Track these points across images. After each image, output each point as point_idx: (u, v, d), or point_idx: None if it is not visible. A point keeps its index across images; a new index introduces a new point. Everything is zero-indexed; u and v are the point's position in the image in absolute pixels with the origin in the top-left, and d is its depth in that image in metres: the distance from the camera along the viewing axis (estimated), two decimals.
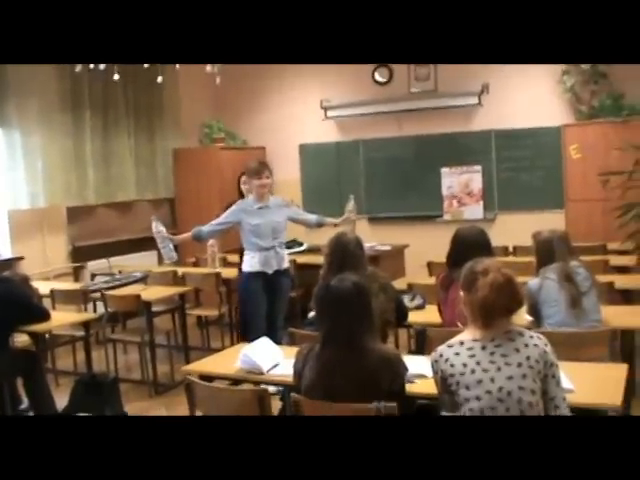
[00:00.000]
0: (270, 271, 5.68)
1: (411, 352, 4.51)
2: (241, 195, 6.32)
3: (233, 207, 5.76)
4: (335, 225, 5.86)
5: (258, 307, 5.70)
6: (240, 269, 5.88)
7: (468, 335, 2.73)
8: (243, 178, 6.29)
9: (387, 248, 7.66)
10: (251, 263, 5.69)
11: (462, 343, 2.71)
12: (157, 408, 5.65)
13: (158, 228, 5.45)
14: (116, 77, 6.97)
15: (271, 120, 9.74)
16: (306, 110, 9.44)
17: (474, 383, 2.60)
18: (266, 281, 5.70)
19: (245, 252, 5.77)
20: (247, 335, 5.29)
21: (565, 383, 2.82)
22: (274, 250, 5.69)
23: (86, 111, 8.11)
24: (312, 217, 6.07)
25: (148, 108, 8.94)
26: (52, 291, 6.31)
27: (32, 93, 7.40)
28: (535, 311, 4.12)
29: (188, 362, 6.19)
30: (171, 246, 5.55)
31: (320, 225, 6.02)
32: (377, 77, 9.05)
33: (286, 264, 5.87)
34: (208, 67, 7.01)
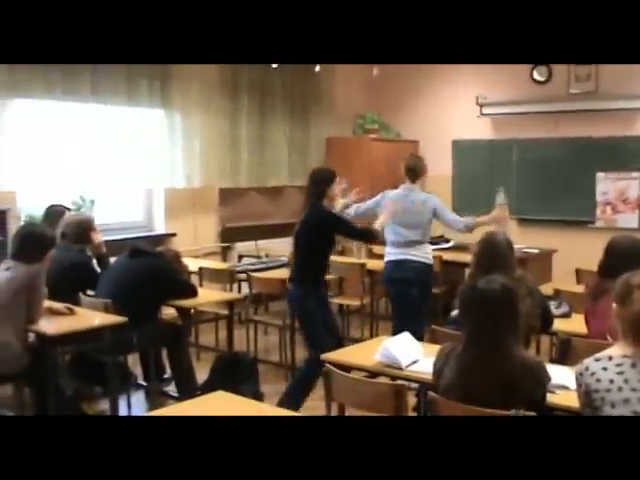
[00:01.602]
0: None
1: (553, 361, 4.36)
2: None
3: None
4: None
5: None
6: (423, 263, 5.88)
7: (618, 350, 2.60)
8: None
9: (535, 251, 7.45)
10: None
11: (611, 358, 2.58)
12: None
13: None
14: (274, 65, 7.08)
15: (426, 114, 9.64)
16: (461, 106, 9.28)
17: (620, 402, 2.48)
18: None
19: (430, 247, 5.95)
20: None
21: None
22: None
23: (244, 96, 8.31)
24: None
25: (304, 96, 9.05)
26: (201, 269, 6.51)
27: (194, 77, 7.64)
28: None
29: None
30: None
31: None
32: (535, 76, 8.76)
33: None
34: None
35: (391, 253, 5.79)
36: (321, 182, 5.07)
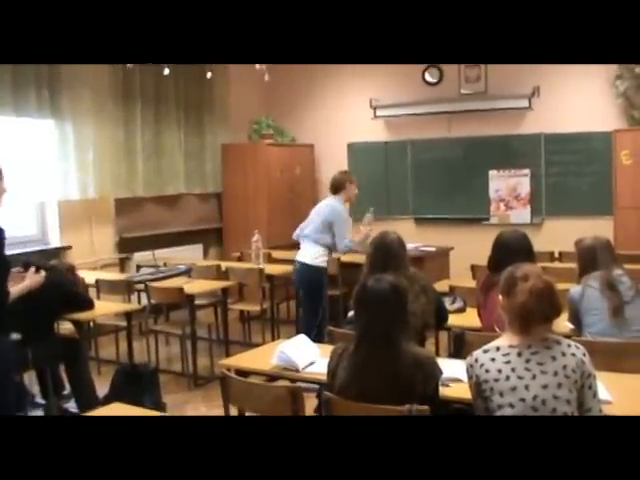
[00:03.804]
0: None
1: (451, 355, 4.49)
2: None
3: (343, 213, 6.14)
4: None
5: (324, 301, 6.11)
6: (302, 264, 6.15)
7: (505, 341, 2.70)
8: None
9: (432, 249, 7.62)
10: (325, 260, 6.11)
11: (498, 349, 2.68)
12: (195, 401, 5.70)
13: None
14: (166, 72, 7.05)
15: (320, 118, 9.75)
16: (355, 109, 9.44)
17: (508, 390, 2.58)
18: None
19: (320, 250, 6.09)
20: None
21: (603, 394, 2.78)
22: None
23: (137, 104, 8.22)
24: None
25: (198, 102, 9.02)
26: (97, 281, 6.40)
27: (84, 85, 7.51)
28: (576, 319, 4.06)
29: (228, 356, 6.25)
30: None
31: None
32: (427, 77, 9.00)
33: None
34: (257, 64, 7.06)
35: None
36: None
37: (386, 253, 4.02)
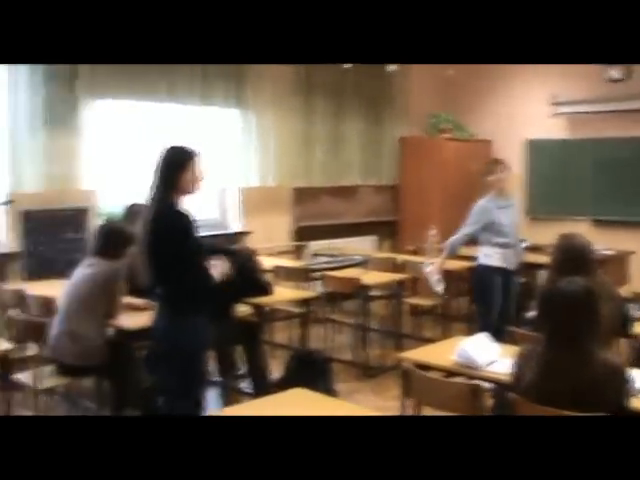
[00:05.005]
0: (511, 267, 5.78)
1: (631, 364, 4.27)
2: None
3: (478, 207, 5.83)
4: None
5: (494, 302, 5.79)
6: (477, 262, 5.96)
7: None
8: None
9: (611, 253, 7.30)
10: (492, 257, 5.78)
11: None
12: (365, 391, 5.73)
13: (428, 268, 5.91)
14: (347, 65, 7.09)
15: (499, 113, 9.52)
16: (535, 105, 9.14)
17: None
18: (504, 278, 5.74)
19: (484, 247, 5.84)
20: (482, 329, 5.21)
21: None
22: (515, 248, 5.79)
23: (318, 96, 8.36)
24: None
25: (377, 95, 9.04)
26: (275, 267, 6.55)
27: (268, 77, 7.72)
28: None
29: (399, 348, 6.25)
30: (438, 277, 5.88)
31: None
32: (612, 74, 8.54)
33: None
34: None
35: None
36: None
37: (576, 256, 3.88)
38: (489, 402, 4.11)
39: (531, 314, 5.26)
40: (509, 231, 5.76)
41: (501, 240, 5.75)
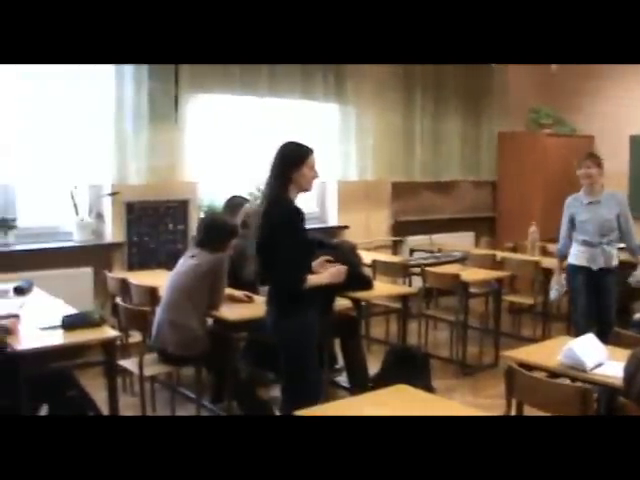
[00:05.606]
0: (595, 267, 5.44)
1: None
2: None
3: (565, 204, 5.68)
4: None
5: (577, 302, 5.56)
6: None
7: None
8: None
9: None
10: (576, 256, 5.54)
11: None
12: (462, 389, 5.66)
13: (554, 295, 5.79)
14: None
15: (602, 109, 9.16)
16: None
17: None
18: (590, 278, 5.46)
19: (573, 245, 5.61)
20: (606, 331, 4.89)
21: None
22: (601, 247, 5.43)
23: (417, 91, 8.31)
24: (633, 241, 5.59)
25: (477, 90, 8.92)
26: (374, 261, 6.54)
27: (367, 73, 7.70)
28: None
29: (497, 347, 6.15)
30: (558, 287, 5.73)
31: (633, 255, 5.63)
32: None
33: (615, 262, 5.52)
34: None
35: None
36: None
37: None
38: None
39: (638, 316, 5.10)
40: (591, 229, 5.43)
41: (581, 237, 5.49)
